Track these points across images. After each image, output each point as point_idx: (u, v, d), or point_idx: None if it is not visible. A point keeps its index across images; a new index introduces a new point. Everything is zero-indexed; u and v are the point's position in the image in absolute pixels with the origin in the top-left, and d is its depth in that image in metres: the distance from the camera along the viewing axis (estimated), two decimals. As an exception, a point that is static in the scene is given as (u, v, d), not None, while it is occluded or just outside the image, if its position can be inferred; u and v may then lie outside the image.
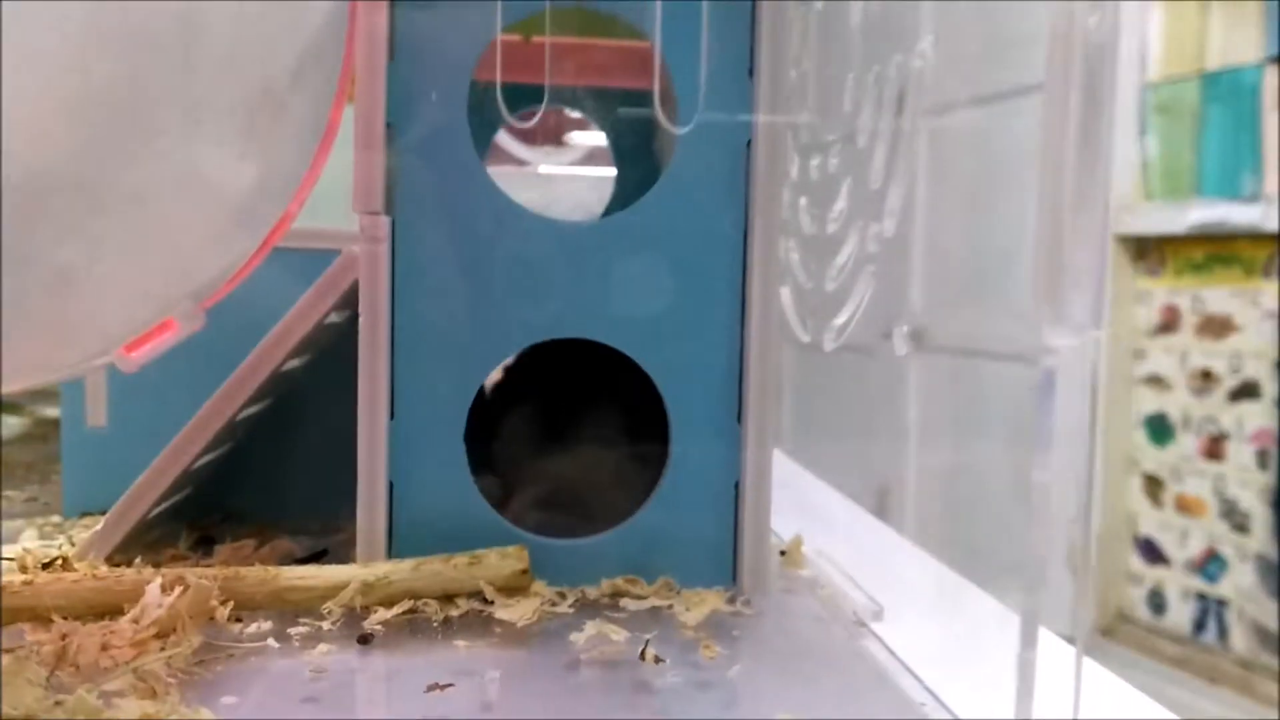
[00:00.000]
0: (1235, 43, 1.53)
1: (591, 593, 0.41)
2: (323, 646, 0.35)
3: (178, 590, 0.36)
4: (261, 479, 0.50)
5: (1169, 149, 1.63)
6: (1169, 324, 1.61)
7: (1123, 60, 1.69)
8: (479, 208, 0.40)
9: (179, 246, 0.31)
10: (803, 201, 0.47)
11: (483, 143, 0.59)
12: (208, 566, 0.40)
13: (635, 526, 0.42)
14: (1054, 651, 0.29)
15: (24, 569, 0.39)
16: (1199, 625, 1.56)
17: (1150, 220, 1.62)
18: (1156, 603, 1.62)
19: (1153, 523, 1.62)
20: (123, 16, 0.23)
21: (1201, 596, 1.54)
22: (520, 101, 0.59)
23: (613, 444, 0.46)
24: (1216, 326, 1.54)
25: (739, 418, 0.41)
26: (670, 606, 0.39)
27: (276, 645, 0.36)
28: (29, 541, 0.47)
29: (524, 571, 0.39)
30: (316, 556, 0.45)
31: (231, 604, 0.37)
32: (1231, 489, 1.50)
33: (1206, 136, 1.58)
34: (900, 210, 0.38)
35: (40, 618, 0.36)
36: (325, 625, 0.37)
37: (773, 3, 0.40)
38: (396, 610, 0.38)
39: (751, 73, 0.41)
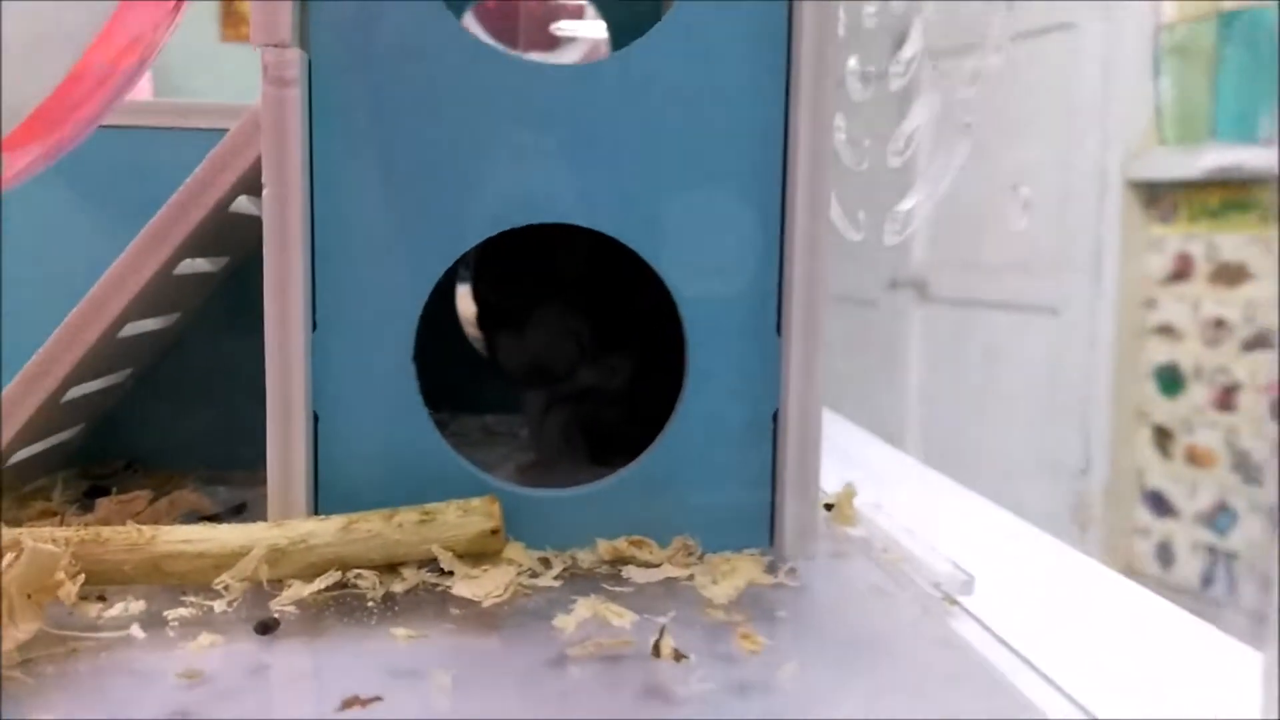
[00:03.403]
0: (1254, -20, 1.44)
1: (585, 559, 0.30)
2: (205, 638, 0.24)
3: (8, 558, 0.25)
4: (176, 418, 0.39)
5: (1183, 92, 1.54)
6: (1182, 272, 1.52)
7: (1137, 2, 1.60)
8: (429, 43, 0.29)
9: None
10: (852, 62, 0.35)
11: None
12: (84, 525, 0.29)
13: (642, 472, 0.30)
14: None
15: None
16: (1207, 579, 1.48)
17: (1163, 166, 1.54)
18: (1165, 556, 1.54)
19: (1162, 475, 1.55)
20: None
21: (1211, 550, 1.47)
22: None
23: (610, 367, 0.35)
24: (1230, 274, 1.46)
25: (778, 328, 0.30)
26: (690, 577, 0.28)
27: (142, 635, 0.25)
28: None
29: (494, 531, 0.28)
30: (232, 513, 0.34)
31: (83, 577, 0.26)
32: (1243, 440, 1.42)
33: (1222, 79, 1.48)
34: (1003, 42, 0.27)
35: None
36: (218, 607, 0.26)
37: None
38: (318, 585, 0.27)
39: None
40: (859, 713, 0.22)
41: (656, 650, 0.24)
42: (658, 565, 0.29)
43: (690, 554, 0.30)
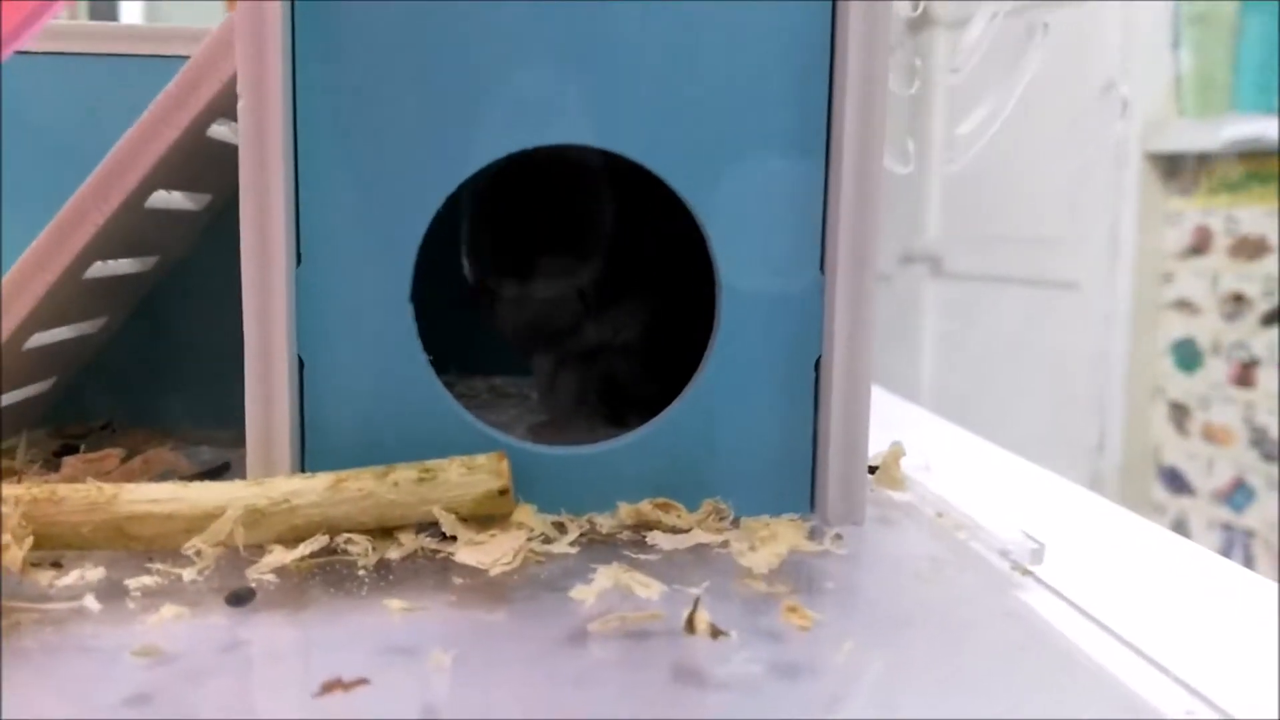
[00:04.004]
0: (1276, -54, 1.40)
1: (604, 523, 0.26)
2: (169, 610, 0.21)
3: (-54, 520, 0.21)
4: (159, 373, 0.36)
5: (1203, 62, 1.50)
6: (1200, 246, 1.49)
7: (1156, -31, 1.56)
8: (428, -61, 0.25)
9: None
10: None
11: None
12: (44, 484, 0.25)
13: (668, 427, 0.27)
14: None
15: None
16: (1224, 556, 1.44)
17: (1183, 137, 1.49)
18: (1180, 533, 1.51)
19: (1178, 452, 1.51)
20: None
21: (1227, 527, 1.44)
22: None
23: (619, 319, 0.31)
24: (1250, 248, 1.42)
25: (821, 263, 0.27)
26: (724, 544, 0.25)
27: (98, 606, 0.21)
28: None
29: (502, 491, 0.25)
30: (211, 474, 0.30)
31: (32, 540, 0.22)
32: (1261, 417, 1.39)
33: (1244, 48, 1.43)
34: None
35: None
36: (187, 575, 0.23)
37: None
38: (302, 551, 0.23)
39: None
40: (931, 698, 0.18)
41: (690, 625, 0.20)
42: (687, 530, 0.25)
43: (722, 518, 0.26)
